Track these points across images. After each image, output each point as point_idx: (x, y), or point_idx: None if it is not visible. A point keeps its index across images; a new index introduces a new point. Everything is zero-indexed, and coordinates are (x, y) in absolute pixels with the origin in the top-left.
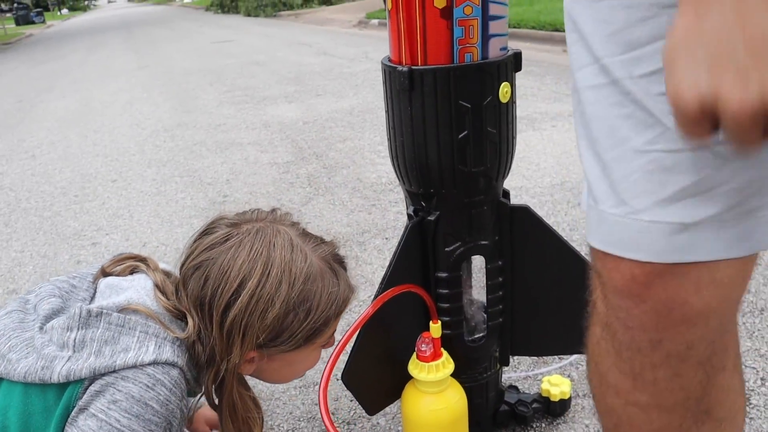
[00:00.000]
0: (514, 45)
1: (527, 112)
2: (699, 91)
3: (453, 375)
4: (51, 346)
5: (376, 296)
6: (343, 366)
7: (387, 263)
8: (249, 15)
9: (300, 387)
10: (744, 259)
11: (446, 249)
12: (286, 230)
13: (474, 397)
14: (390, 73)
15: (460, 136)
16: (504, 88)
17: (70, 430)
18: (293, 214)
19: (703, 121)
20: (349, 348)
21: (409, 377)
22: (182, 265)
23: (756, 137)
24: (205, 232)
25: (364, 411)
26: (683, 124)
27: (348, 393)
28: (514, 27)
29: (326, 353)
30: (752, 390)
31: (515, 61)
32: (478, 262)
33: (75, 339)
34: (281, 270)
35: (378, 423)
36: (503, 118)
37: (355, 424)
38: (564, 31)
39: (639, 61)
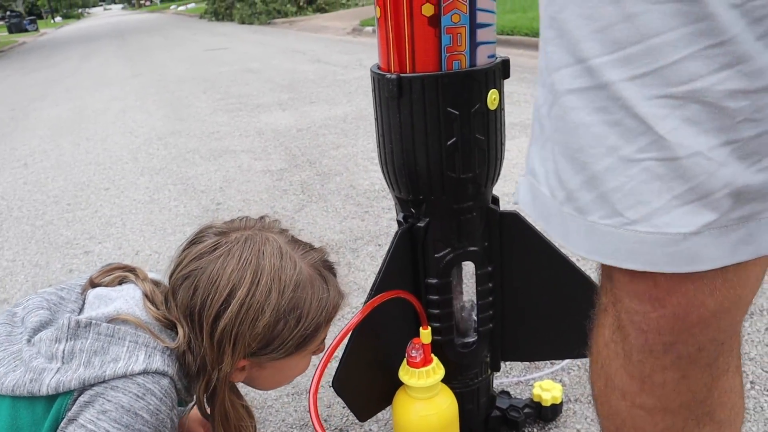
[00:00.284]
0: (507, 52)
1: (520, 119)
2: None
3: (444, 381)
4: (39, 358)
5: (366, 303)
6: (333, 372)
7: None
8: (243, 22)
9: (292, 394)
10: (755, 260)
11: (436, 255)
12: (275, 238)
13: (465, 402)
14: (379, 80)
15: (449, 142)
16: (492, 95)
17: None
18: (281, 221)
19: None
20: (339, 354)
21: (400, 383)
22: (171, 275)
23: None
24: (194, 241)
25: (356, 418)
26: None
27: (341, 400)
28: (508, 34)
29: (316, 359)
30: None
31: (503, 69)
32: (469, 268)
33: (64, 350)
34: (271, 278)
35: (370, 429)
36: (492, 125)
37: (347, 431)
38: None
39: (628, 62)
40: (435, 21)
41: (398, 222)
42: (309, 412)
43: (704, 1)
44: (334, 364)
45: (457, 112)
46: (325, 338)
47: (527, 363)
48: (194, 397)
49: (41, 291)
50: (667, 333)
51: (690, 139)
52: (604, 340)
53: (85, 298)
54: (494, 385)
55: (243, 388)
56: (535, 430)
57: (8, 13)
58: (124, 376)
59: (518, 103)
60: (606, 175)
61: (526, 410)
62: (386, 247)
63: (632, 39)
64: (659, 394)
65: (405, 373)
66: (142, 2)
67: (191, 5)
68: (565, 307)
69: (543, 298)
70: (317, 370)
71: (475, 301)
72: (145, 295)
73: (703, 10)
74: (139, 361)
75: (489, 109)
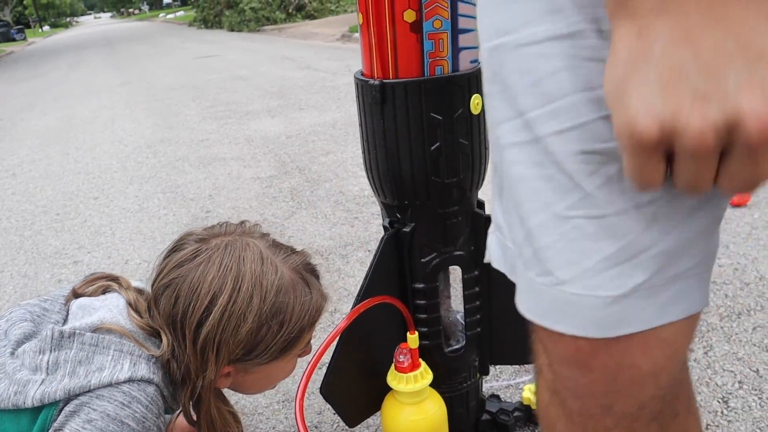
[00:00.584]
0: None
1: None
2: (657, 116)
3: (433, 386)
4: (23, 370)
5: (352, 308)
6: (321, 378)
7: None
8: (232, 30)
9: (283, 401)
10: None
11: (422, 260)
12: (256, 243)
13: (455, 407)
14: (362, 86)
15: (433, 147)
16: (475, 100)
17: None
18: (269, 227)
19: (659, 153)
20: (327, 360)
21: (388, 389)
22: (153, 283)
23: (709, 172)
24: (174, 249)
25: (345, 424)
26: (637, 158)
27: (331, 407)
28: None
29: (303, 362)
30: (730, 393)
31: None
32: (458, 273)
33: (48, 361)
34: (252, 284)
35: None
36: (475, 130)
37: None
38: None
39: (557, 115)
40: (417, 27)
41: (384, 227)
42: (295, 418)
43: None
44: (322, 370)
45: (440, 117)
46: (310, 340)
47: (517, 366)
48: (180, 404)
49: (24, 303)
50: (601, 396)
51: (616, 196)
52: (545, 401)
53: (68, 309)
54: (484, 389)
55: (232, 395)
56: None
57: None
58: (110, 384)
59: None
60: (540, 232)
61: (516, 413)
62: None
63: (558, 93)
64: None
65: (393, 378)
66: (130, 11)
67: (180, 13)
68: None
69: None
70: (303, 377)
71: (463, 305)
72: (129, 304)
73: None
74: (124, 370)
75: (472, 113)
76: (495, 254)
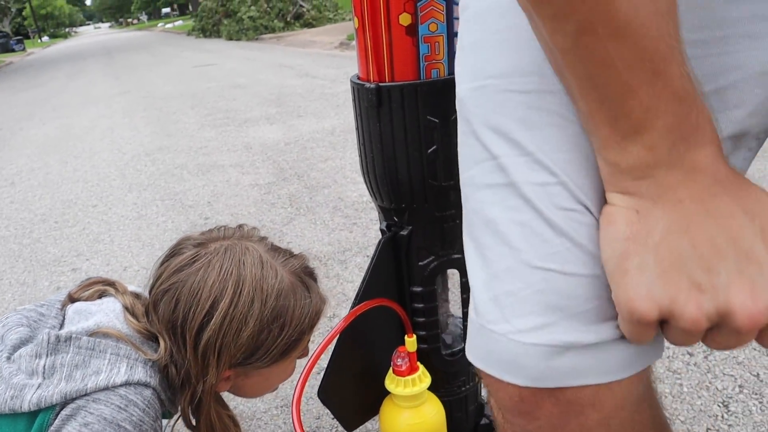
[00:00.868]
0: None
1: None
2: (656, 301)
3: (432, 389)
4: (20, 374)
5: (350, 311)
6: (319, 383)
7: None
8: (231, 39)
9: (281, 407)
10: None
11: (420, 263)
12: (255, 247)
13: (454, 411)
14: (358, 90)
15: (429, 150)
16: None
17: None
18: (268, 233)
19: (654, 327)
20: (325, 364)
21: (386, 393)
22: (151, 289)
23: (696, 340)
24: (172, 254)
25: (343, 428)
26: (634, 330)
27: (329, 411)
28: None
29: (301, 366)
30: (730, 397)
31: None
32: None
33: (44, 366)
34: (253, 288)
35: None
36: None
37: None
38: None
39: (535, 166)
40: (412, 30)
41: (381, 231)
42: (293, 422)
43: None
44: (320, 375)
45: (437, 120)
46: (308, 342)
47: None
48: (179, 408)
49: (20, 308)
50: None
51: (594, 259)
52: None
53: (65, 314)
54: (483, 394)
55: (231, 400)
56: None
57: None
58: (106, 388)
59: None
60: (504, 276)
61: None
62: None
63: (538, 146)
64: None
65: (391, 382)
66: (129, 20)
67: (179, 23)
68: None
69: None
70: (300, 380)
71: (461, 309)
72: (126, 308)
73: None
74: (120, 373)
75: None
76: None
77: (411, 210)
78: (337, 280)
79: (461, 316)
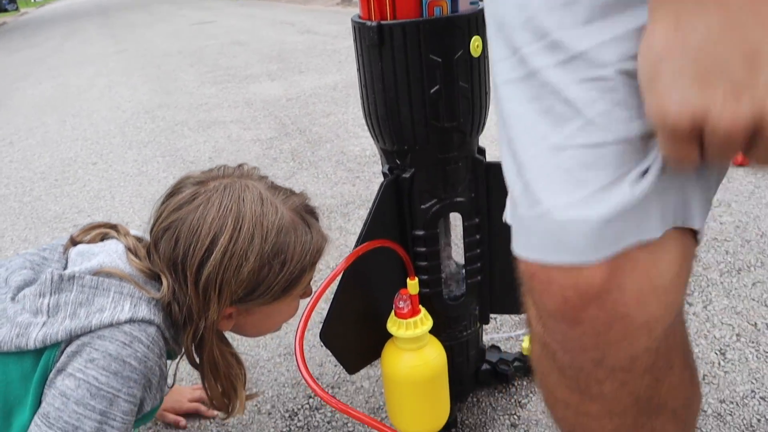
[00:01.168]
0: None
1: None
2: (690, 107)
3: (433, 334)
4: (24, 313)
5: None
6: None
7: None
8: None
9: (284, 355)
10: (682, 259)
11: (422, 206)
12: (255, 184)
13: (455, 355)
14: (359, 28)
15: (432, 91)
16: (475, 42)
17: (49, 392)
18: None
19: (691, 139)
20: (326, 307)
21: (388, 337)
22: (152, 228)
23: (735, 153)
24: (172, 192)
25: (348, 374)
26: (670, 143)
27: (332, 359)
28: None
29: (305, 303)
30: (728, 345)
31: None
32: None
33: (48, 304)
34: (253, 224)
35: (362, 386)
36: (475, 73)
37: (339, 388)
38: None
39: (555, 48)
40: None
41: (383, 174)
42: (295, 356)
43: None
44: (322, 315)
45: (439, 60)
46: (311, 281)
47: (518, 319)
48: (183, 347)
49: (23, 252)
50: (591, 349)
51: (620, 123)
52: (537, 354)
53: (67, 257)
54: (485, 341)
55: (236, 347)
56: (525, 383)
57: None
58: (111, 325)
59: None
60: (532, 163)
61: (516, 364)
62: None
63: (556, 25)
64: (601, 402)
65: (393, 325)
66: None
67: None
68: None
69: None
70: (302, 318)
71: (463, 253)
72: (128, 249)
73: None
74: (124, 311)
75: (472, 56)
76: (506, 208)
77: (413, 152)
78: (339, 232)
79: (463, 261)
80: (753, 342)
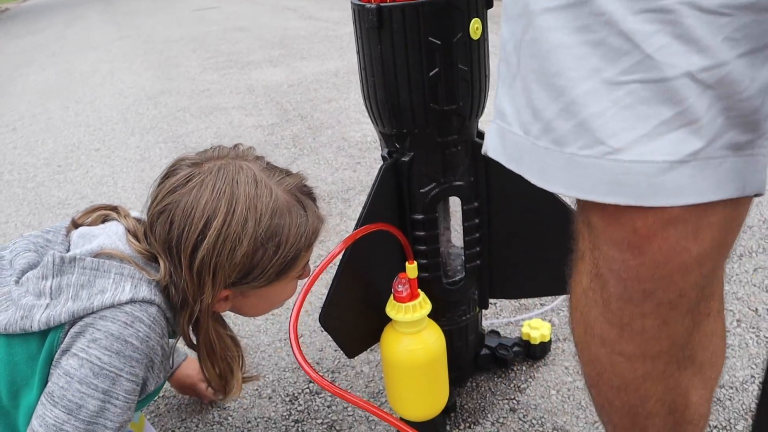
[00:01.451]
0: None
1: None
2: None
3: (433, 318)
4: (28, 296)
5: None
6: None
7: None
8: None
9: (285, 339)
10: (738, 203)
11: (421, 190)
12: (249, 166)
13: (454, 340)
14: (359, 11)
15: (431, 73)
16: (475, 25)
17: (54, 372)
18: (255, 149)
19: None
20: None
21: (387, 321)
22: (148, 210)
23: None
24: (167, 174)
25: (347, 359)
26: None
27: (333, 344)
28: None
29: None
30: (728, 331)
31: None
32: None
33: (51, 286)
34: (246, 207)
35: (362, 371)
36: (475, 55)
37: (339, 372)
38: None
39: None
40: None
41: (383, 157)
42: (289, 340)
43: None
44: (323, 299)
45: (438, 42)
46: (307, 262)
47: (517, 304)
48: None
49: (27, 234)
50: (647, 281)
51: (678, 58)
52: (582, 287)
53: (70, 239)
54: (485, 326)
55: (236, 328)
56: (524, 368)
57: None
58: (112, 306)
59: None
60: (586, 100)
61: (516, 348)
62: None
63: None
64: (639, 340)
65: (392, 308)
66: None
67: None
68: (553, 243)
69: (530, 234)
70: (297, 302)
71: (462, 237)
72: (128, 231)
73: None
74: (125, 291)
75: (472, 38)
76: (492, 144)
77: (412, 135)
78: (340, 217)
79: (462, 245)
80: (753, 327)
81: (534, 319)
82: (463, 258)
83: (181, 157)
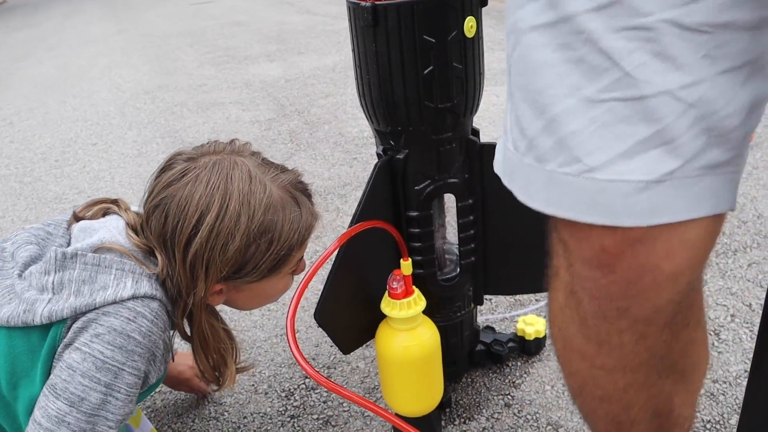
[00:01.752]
0: None
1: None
2: None
3: (427, 314)
4: (31, 290)
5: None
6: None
7: None
8: None
9: (281, 335)
10: (712, 218)
11: (416, 187)
12: (244, 161)
13: (449, 336)
14: (354, 9)
15: (426, 71)
16: (469, 23)
17: (57, 365)
18: (252, 144)
19: None
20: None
21: (382, 317)
22: (144, 204)
23: None
24: (163, 169)
25: (343, 355)
26: None
27: (328, 340)
28: None
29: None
30: (722, 326)
31: None
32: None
33: (53, 282)
34: (239, 202)
35: (358, 366)
36: (469, 53)
37: (335, 368)
38: None
39: None
40: None
41: (378, 155)
42: (286, 334)
43: None
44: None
45: (433, 40)
46: (302, 258)
47: (512, 300)
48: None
49: (28, 227)
50: (619, 298)
51: (656, 76)
52: (559, 304)
53: (71, 233)
54: (480, 322)
55: (233, 323)
56: (518, 363)
57: None
58: (114, 302)
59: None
60: (565, 118)
61: (510, 344)
62: None
63: None
64: (618, 355)
65: (386, 305)
66: None
67: None
68: (546, 240)
69: (524, 231)
70: (294, 298)
71: (457, 234)
72: (128, 224)
73: None
74: (127, 287)
75: (466, 36)
76: (497, 159)
77: (407, 133)
78: (336, 213)
79: (457, 241)
80: (747, 323)
81: (529, 315)
82: (458, 255)
83: (177, 152)
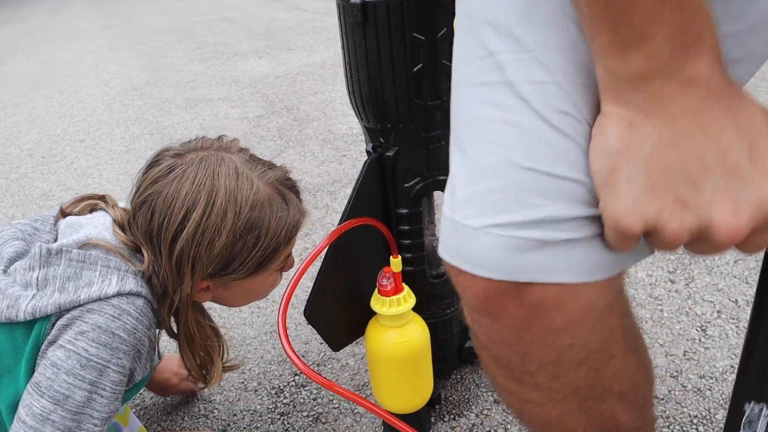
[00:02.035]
0: None
1: None
2: (642, 215)
3: (417, 311)
4: (15, 286)
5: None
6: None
7: None
8: None
9: (270, 332)
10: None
11: (405, 185)
12: (231, 158)
13: (438, 333)
14: (344, 6)
15: (415, 69)
16: None
17: (41, 362)
18: (240, 140)
19: (638, 238)
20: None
21: (372, 315)
22: (131, 200)
23: (675, 249)
24: (151, 165)
25: (333, 352)
26: (619, 240)
27: (318, 337)
28: None
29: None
30: (708, 322)
31: None
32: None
33: (38, 277)
34: (226, 199)
35: (347, 363)
36: None
37: (325, 365)
38: None
39: (535, 65)
40: None
41: (367, 152)
42: (278, 331)
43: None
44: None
45: (423, 38)
46: (289, 255)
47: None
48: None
49: (15, 222)
50: (515, 344)
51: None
52: (475, 343)
53: (58, 228)
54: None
55: (222, 326)
56: None
57: None
58: (99, 299)
59: None
60: (485, 174)
61: None
62: None
63: (539, 44)
64: (540, 391)
65: (376, 302)
66: None
67: None
68: None
69: None
70: (285, 295)
71: None
72: (115, 221)
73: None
74: (112, 284)
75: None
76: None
77: (397, 130)
78: (326, 210)
79: None
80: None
81: None
82: None
83: (164, 148)
